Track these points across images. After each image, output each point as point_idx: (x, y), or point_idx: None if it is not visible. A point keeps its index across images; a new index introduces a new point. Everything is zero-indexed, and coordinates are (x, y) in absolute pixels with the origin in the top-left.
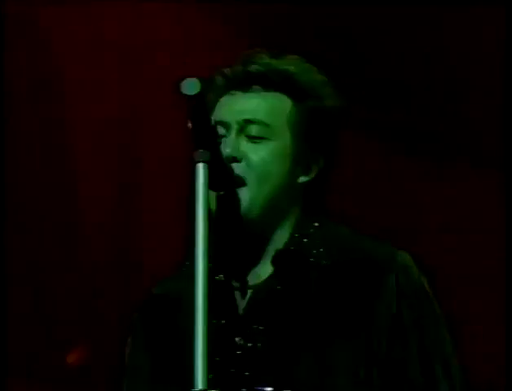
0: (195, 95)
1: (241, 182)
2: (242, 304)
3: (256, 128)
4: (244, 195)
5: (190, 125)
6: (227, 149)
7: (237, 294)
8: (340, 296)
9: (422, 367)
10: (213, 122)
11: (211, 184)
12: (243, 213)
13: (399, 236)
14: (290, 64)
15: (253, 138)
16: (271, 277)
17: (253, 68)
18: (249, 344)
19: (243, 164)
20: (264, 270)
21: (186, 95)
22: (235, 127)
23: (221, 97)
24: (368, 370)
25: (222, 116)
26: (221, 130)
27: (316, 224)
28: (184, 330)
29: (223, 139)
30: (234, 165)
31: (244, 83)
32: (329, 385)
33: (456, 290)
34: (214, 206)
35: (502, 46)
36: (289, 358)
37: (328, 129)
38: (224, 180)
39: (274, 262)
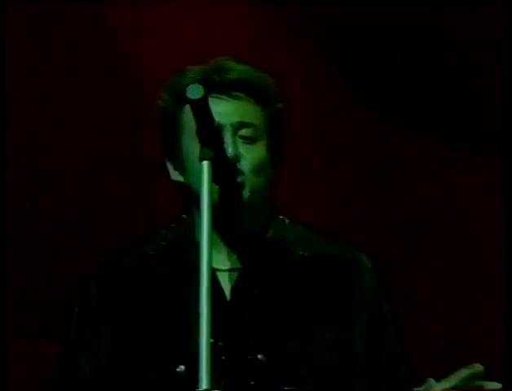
0: (199, 99)
1: (242, 178)
2: (227, 288)
3: (248, 130)
4: (244, 188)
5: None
6: (229, 150)
7: (221, 278)
8: (317, 284)
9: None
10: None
11: (216, 179)
12: (243, 204)
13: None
14: (254, 72)
15: (247, 139)
16: (253, 262)
17: (232, 74)
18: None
19: (243, 162)
20: (246, 255)
21: (190, 99)
22: (229, 129)
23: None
24: (348, 348)
25: (222, 122)
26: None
27: (281, 217)
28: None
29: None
30: (239, 164)
31: (224, 88)
32: (314, 362)
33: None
34: (216, 197)
35: (502, 46)
36: (277, 337)
37: (281, 131)
38: (228, 175)
39: (259, 249)
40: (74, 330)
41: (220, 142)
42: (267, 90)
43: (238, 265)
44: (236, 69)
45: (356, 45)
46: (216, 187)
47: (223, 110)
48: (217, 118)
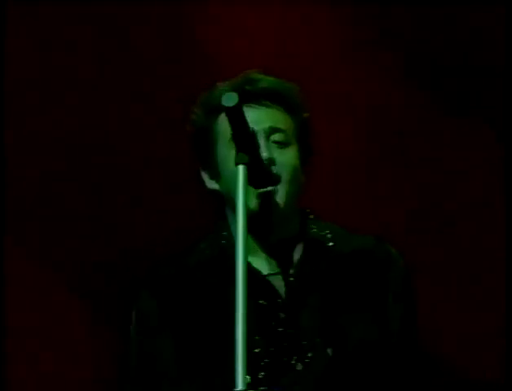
0: (233, 106)
1: (277, 180)
2: (280, 287)
3: (280, 135)
4: (280, 192)
5: (231, 132)
6: (263, 153)
7: (272, 278)
8: (359, 276)
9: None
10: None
11: (252, 182)
12: (280, 208)
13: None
14: (282, 83)
15: (279, 144)
16: (301, 262)
17: (262, 84)
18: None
19: (277, 165)
20: (291, 256)
21: (225, 107)
22: (262, 134)
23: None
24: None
25: (255, 128)
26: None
27: (312, 216)
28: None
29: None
30: (272, 167)
31: (255, 97)
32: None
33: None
34: (251, 202)
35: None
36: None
37: (310, 138)
38: (263, 178)
39: (304, 249)
40: (135, 342)
41: (255, 147)
42: (295, 99)
43: (285, 268)
44: (265, 80)
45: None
46: (253, 192)
47: (255, 117)
48: (254, 123)
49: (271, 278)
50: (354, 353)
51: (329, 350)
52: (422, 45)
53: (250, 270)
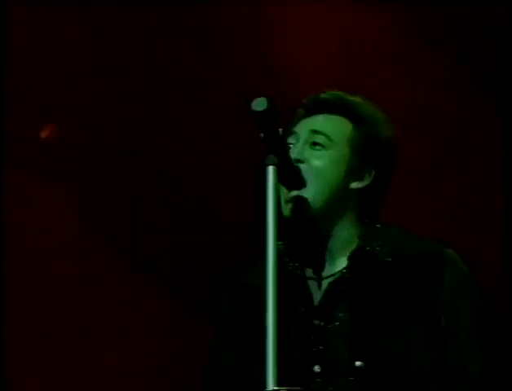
0: (263, 111)
1: (303, 182)
2: (317, 294)
3: (319, 137)
4: (306, 193)
5: (261, 134)
6: (293, 153)
7: (311, 285)
8: (404, 287)
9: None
10: (288, 134)
11: (282, 181)
12: (306, 209)
13: None
14: (354, 98)
15: (315, 145)
16: (344, 270)
17: (324, 96)
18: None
19: (305, 166)
20: (336, 264)
21: (256, 111)
22: (303, 136)
23: (301, 119)
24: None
25: (295, 129)
26: (292, 140)
27: (378, 225)
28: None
29: (292, 146)
30: (301, 166)
31: (316, 108)
32: (404, 360)
33: None
34: (284, 207)
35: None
36: (366, 337)
37: (380, 150)
38: (292, 178)
39: (351, 257)
40: (214, 337)
41: (285, 150)
42: (364, 114)
43: (328, 273)
44: (329, 93)
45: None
46: (284, 196)
47: (302, 123)
48: (296, 129)
49: (309, 283)
50: (384, 365)
51: (359, 363)
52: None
53: (292, 273)
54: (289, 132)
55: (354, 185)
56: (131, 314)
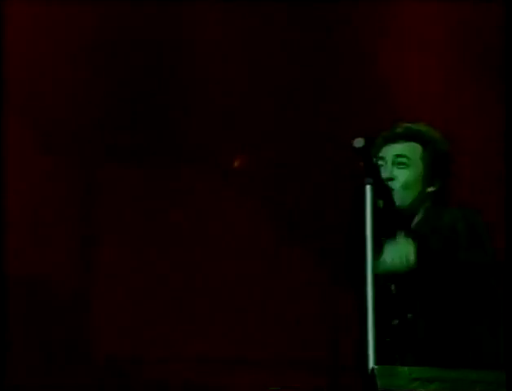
0: (361, 147)
1: (393, 191)
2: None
3: (402, 159)
4: (396, 197)
5: (361, 164)
6: (386, 173)
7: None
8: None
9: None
10: (376, 159)
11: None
12: (397, 206)
13: None
14: (420, 127)
15: (400, 165)
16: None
17: (399, 130)
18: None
19: (396, 182)
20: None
21: (356, 148)
22: (390, 160)
23: (382, 147)
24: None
25: (382, 154)
26: (381, 162)
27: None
28: None
29: (382, 168)
30: (390, 183)
31: (394, 138)
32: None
33: None
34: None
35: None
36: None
37: (443, 161)
38: (384, 191)
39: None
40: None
41: (378, 173)
42: (425, 137)
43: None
44: (404, 126)
45: None
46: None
47: (392, 150)
48: (383, 154)
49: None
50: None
51: (410, 315)
52: None
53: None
54: (376, 157)
55: (429, 189)
56: None
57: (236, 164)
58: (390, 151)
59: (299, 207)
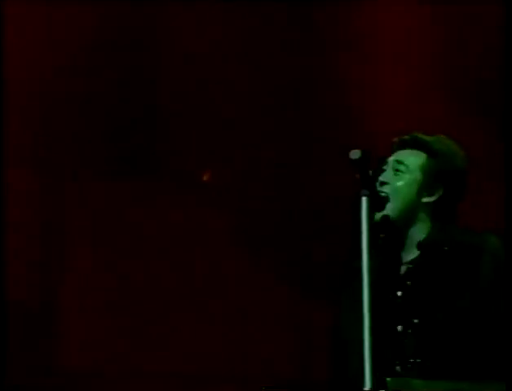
0: (357, 159)
1: (387, 198)
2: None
3: (400, 166)
4: (389, 204)
5: (357, 176)
6: (382, 177)
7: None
8: (457, 266)
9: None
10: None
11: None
12: (388, 215)
13: None
14: (430, 137)
15: (396, 171)
16: (417, 257)
17: (406, 138)
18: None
19: (388, 186)
20: (410, 254)
21: (352, 159)
22: (390, 165)
23: (393, 153)
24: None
25: (388, 159)
26: (384, 167)
27: (443, 225)
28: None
29: (384, 172)
30: (383, 187)
31: (401, 145)
32: (451, 316)
33: None
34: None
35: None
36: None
37: (449, 175)
38: (378, 201)
39: (419, 248)
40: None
41: (374, 185)
42: (433, 147)
43: (405, 260)
44: (411, 135)
45: None
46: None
47: (395, 155)
48: (389, 159)
49: (402, 267)
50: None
51: (416, 320)
52: None
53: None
54: (385, 162)
55: (425, 199)
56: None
57: (206, 177)
58: (394, 156)
59: (270, 219)
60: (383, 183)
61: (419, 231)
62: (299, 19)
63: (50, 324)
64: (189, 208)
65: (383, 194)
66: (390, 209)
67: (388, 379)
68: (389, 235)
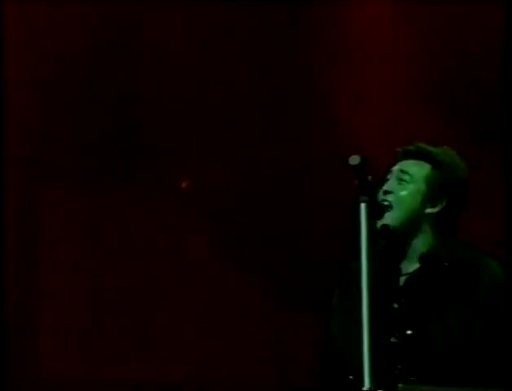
0: (357, 164)
1: (389, 206)
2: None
3: (404, 175)
4: (391, 213)
5: (356, 182)
6: (385, 186)
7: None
8: (455, 282)
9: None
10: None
11: (371, 213)
12: (389, 225)
13: None
14: (435, 148)
15: (400, 181)
16: (417, 270)
17: (411, 148)
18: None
19: (392, 195)
20: (410, 265)
21: (351, 165)
22: (394, 174)
23: (397, 162)
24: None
25: (392, 168)
26: (388, 176)
27: (445, 239)
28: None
29: (386, 181)
30: (387, 196)
31: (405, 155)
32: (446, 333)
33: None
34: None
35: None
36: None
37: (453, 186)
38: (377, 209)
39: (420, 261)
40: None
41: (373, 191)
42: (437, 158)
43: (405, 271)
44: (417, 146)
45: None
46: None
47: (399, 164)
48: (393, 168)
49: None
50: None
51: (409, 332)
52: None
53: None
54: (389, 171)
55: (428, 210)
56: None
57: (183, 185)
58: (398, 166)
59: (246, 231)
60: (387, 192)
61: (421, 243)
62: (297, 20)
63: (26, 335)
64: (166, 217)
65: (386, 203)
66: (393, 219)
67: (400, 385)
68: (389, 244)
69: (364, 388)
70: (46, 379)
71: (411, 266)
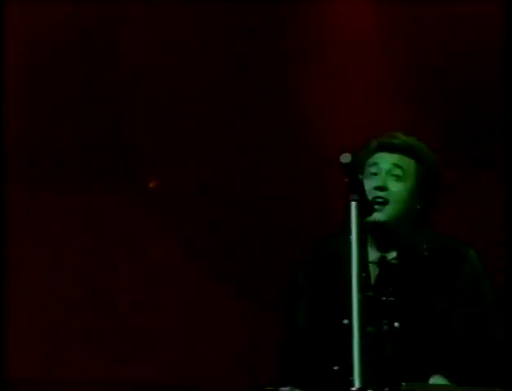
0: (348, 163)
1: (385, 202)
2: (374, 273)
3: (398, 170)
4: (386, 209)
5: (346, 180)
6: (378, 182)
7: (371, 267)
8: (435, 270)
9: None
10: (369, 164)
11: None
12: (384, 219)
13: None
14: (416, 143)
15: (395, 177)
16: (398, 259)
17: (396, 141)
18: (383, 298)
19: (387, 191)
20: (391, 254)
21: (342, 163)
22: (386, 168)
23: (373, 154)
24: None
25: (376, 160)
26: (373, 169)
27: (422, 229)
28: (339, 275)
29: (375, 176)
30: (382, 192)
31: (391, 149)
32: (430, 319)
33: None
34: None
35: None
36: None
37: (433, 180)
38: (367, 210)
39: (399, 250)
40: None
41: (363, 189)
42: (421, 153)
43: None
44: (401, 137)
45: None
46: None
47: (388, 159)
48: (378, 161)
49: (370, 266)
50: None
51: (396, 324)
52: None
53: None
54: (368, 162)
55: (418, 206)
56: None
57: (152, 185)
58: (388, 159)
59: (220, 235)
60: (381, 189)
61: (402, 233)
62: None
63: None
64: (137, 218)
65: (380, 199)
66: (387, 215)
67: (403, 383)
68: (374, 236)
69: (353, 389)
70: (46, 379)
71: (391, 255)
